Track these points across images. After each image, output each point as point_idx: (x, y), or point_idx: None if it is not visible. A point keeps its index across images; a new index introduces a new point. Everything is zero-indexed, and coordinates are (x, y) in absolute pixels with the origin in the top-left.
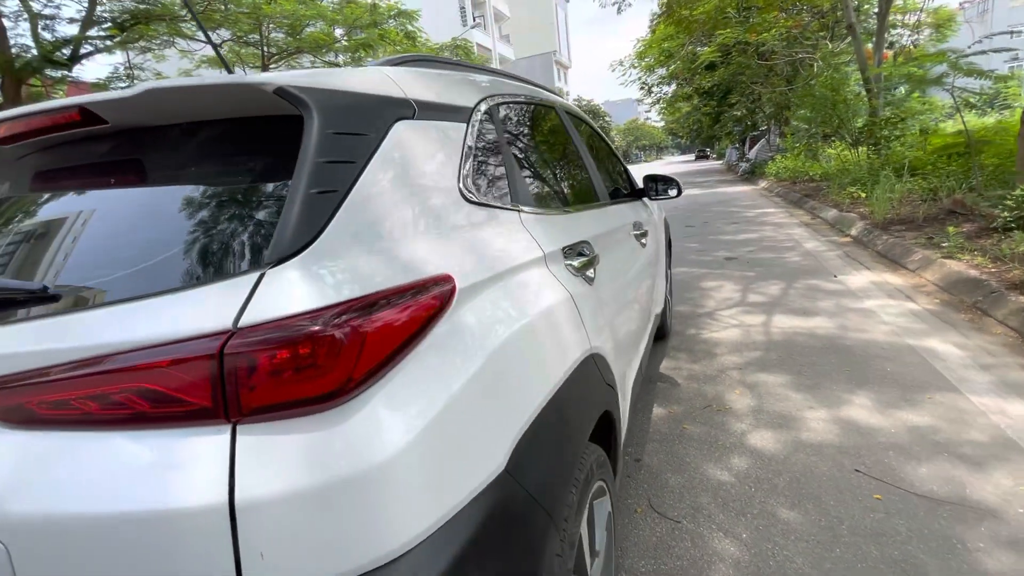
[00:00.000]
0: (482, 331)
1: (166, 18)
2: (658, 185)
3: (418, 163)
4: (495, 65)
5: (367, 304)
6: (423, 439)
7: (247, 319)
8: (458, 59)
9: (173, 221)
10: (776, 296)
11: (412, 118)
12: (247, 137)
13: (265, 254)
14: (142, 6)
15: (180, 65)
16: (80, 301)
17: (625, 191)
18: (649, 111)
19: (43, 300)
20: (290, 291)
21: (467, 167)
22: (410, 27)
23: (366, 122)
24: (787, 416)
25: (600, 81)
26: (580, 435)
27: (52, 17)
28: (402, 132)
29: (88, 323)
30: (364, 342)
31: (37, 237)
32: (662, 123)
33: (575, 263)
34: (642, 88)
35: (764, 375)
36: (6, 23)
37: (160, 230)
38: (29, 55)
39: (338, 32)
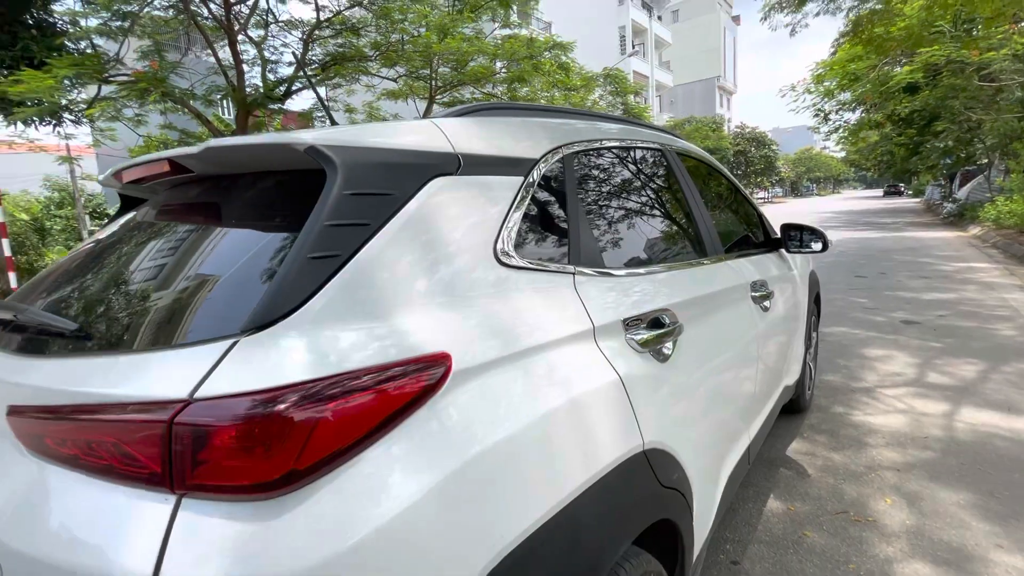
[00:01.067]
0: (479, 422)
1: (355, 59)
2: (801, 235)
3: (448, 223)
4: (651, 92)
5: (331, 386)
6: (369, 550)
7: (204, 390)
8: (544, 104)
9: (192, 270)
10: (970, 380)
11: (454, 173)
12: (288, 191)
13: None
14: (339, 50)
15: (364, 98)
16: (88, 346)
17: (758, 241)
18: (827, 139)
19: (67, 338)
20: (252, 364)
21: (513, 225)
22: (564, 58)
23: (394, 180)
24: (960, 551)
25: (769, 106)
26: (607, 552)
27: (276, 62)
28: (437, 189)
29: (84, 370)
30: (314, 430)
31: (107, 270)
32: (842, 153)
33: (641, 336)
34: (816, 115)
35: (933, 485)
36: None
37: (179, 278)
38: (256, 93)
39: (498, 65)
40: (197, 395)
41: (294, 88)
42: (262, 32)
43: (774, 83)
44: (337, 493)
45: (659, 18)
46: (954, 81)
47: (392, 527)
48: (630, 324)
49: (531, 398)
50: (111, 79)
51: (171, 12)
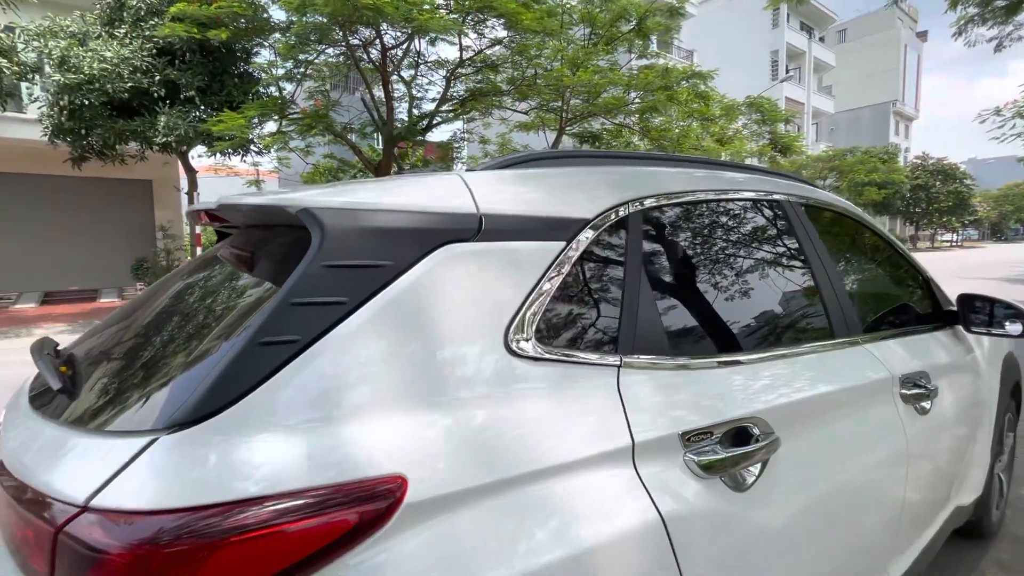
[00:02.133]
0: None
1: (490, 94)
2: (990, 310)
3: (450, 301)
4: (806, 120)
5: (235, 514)
6: None
7: (102, 498)
8: (624, 151)
9: (176, 335)
10: None
11: (472, 240)
12: (286, 252)
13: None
14: (477, 86)
15: (499, 130)
16: (60, 409)
17: (922, 315)
18: None
19: (55, 397)
20: (160, 472)
21: (540, 304)
22: (703, 87)
23: (390, 248)
24: None
25: (962, 135)
26: None
27: (421, 98)
28: (444, 259)
29: (36, 436)
30: (193, 571)
31: (132, 319)
32: None
33: (708, 457)
34: None
35: None
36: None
37: (159, 343)
38: (401, 127)
39: (631, 95)
40: (93, 503)
41: (434, 122)
42: (412, 72)
43: (970, 107)
44: None
45: (821, 39)
46: None
47: None
48: (693, 438)
49: (519, 546)
50: (287, 116)
51: (341, 58)
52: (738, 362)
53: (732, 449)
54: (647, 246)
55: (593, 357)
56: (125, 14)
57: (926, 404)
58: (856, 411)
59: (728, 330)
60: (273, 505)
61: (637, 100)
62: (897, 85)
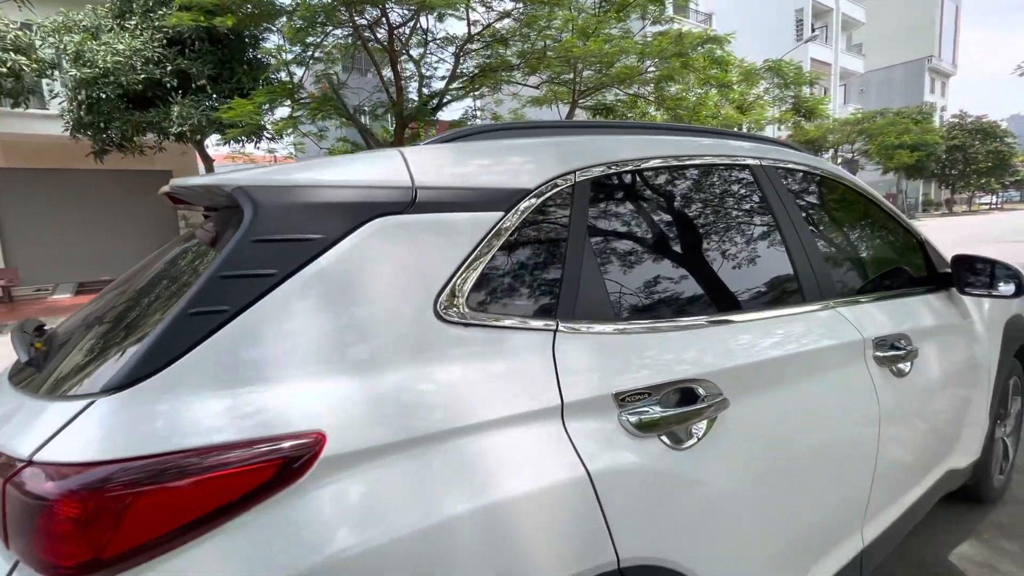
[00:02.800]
0: (351, 523)
1: (500, 69)
2: (989, 271)
3: (380, 272)
4: (834, 81)
5: (155, 466)
6: None
7: (44, 453)
8: (582, 120)
9: (129, 310)
10: None
11: (404, 212)
12: (233, 229)
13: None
14: (487, 61)
15: (511, 105)
16: (24, 378)
17: (914, 278)
18: None
19: (25, 367)
20: (93, 430)
21: (474, 272)
22: (720, 52)
23: (320, 222)
24: None
25: (1004, 91)
26: None
27: (431, 77)
28: (376, 231)
29: (4, 407)
30: (124, 515)
31: (107, 293)
32: None
33: (645, 415)
34: None
35: None
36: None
37: (113, 317)
38: (412, 106)
39: (647, 64)
40: (37, 457)
41: (445, 100)
42: (421, 51)
43: (1014, 61)
44: None
45: None
46: None
47: None
48: (628, 399)
49: (436, 497)
50: (296, 101)
51: (349, 39)
52: (686, 326)
53: (671, 409)
54: (594, 215)
55: (528, 322)
56: (135, 5)
57: (903, 366)
58: (822, 373)
59: (679, 296)
60: (196, 457)
61: (652, 68)
62: (933, 40)
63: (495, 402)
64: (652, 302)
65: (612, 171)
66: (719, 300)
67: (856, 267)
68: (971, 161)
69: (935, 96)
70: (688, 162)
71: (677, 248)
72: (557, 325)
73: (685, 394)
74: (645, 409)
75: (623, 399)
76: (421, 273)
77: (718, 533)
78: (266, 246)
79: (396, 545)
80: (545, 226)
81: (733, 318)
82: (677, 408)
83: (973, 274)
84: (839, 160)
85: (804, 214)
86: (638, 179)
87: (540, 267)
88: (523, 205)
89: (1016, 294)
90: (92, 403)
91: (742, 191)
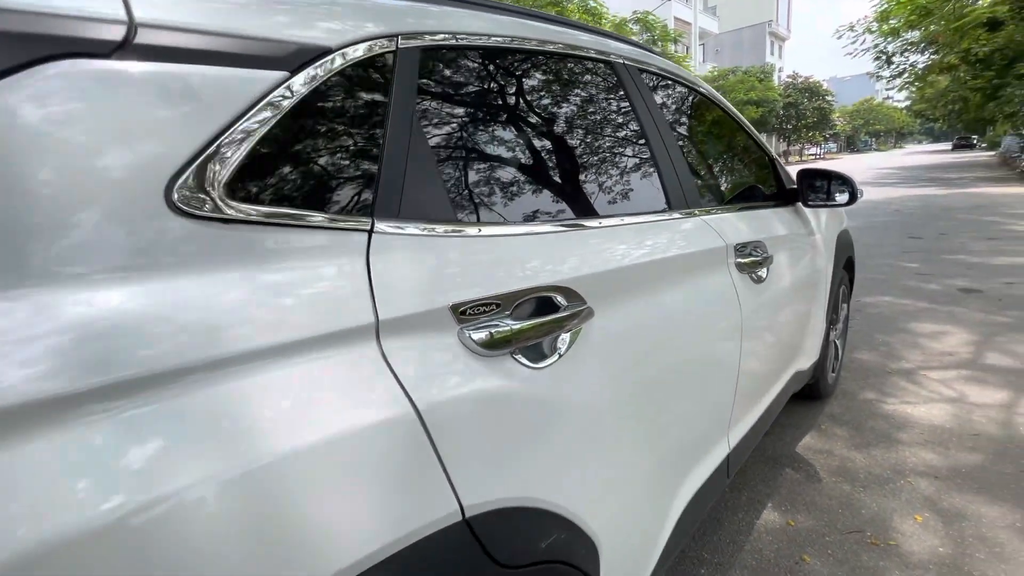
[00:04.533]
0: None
1: None
2: (825, 185)
3: (62, 141)
4: (694, 40)
5: None
6: None
7: None
8: None
9: None
10: None
11: (111, 55)
12: None
13: None
14: None
15: None
16: None
17: (767, 194)
18: (889, 86)
19: None
20: None
21: (240, 150)
22: (592, 3)
23: None
24: None
25: (827, 54)
26: None
27: None
28: (54, 81)
29: None
30: None
31: None
32: (906, 103)
33: (494, 331)
34: (878, 58)
35: (980, 500)
36: None
37: None
38: None
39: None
40: None
41: None
42: None
43: (834, 27)
44: None
45: None
46: None
47: None
48: (472, 311)
49: (176, 467)
50: None
51: None
52: (542, 231)
53: (525, 321)
54: (426, 93)
55: (330, 220)
56: None
57: (762, 272)
58: (689, 280)
59: (533, 196)
60: None
61: None
62: (772, 5)
63: (274, 324)
64: (500, 202)
65: (449, 43)
66: (578, 203)
67: (716, 178)
68: (802, 117)
69: (774, 58)
70: (546, 48)
71: (532, 143)
72: (373, 225)
73: (542, 304)
74: (494, 323)
75: (463, 312)
76: (145, 146)
77: (588, 461)
78: None
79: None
80: (353, 99)
81: (594, 223)
82: (534, 319)
83: (813, 190)
84: None
85: (669, 121)
86: (484, 58)
87: (345, 151)
88: (317, 68)
89: (849, 202)
90: None
91: (605, 88)
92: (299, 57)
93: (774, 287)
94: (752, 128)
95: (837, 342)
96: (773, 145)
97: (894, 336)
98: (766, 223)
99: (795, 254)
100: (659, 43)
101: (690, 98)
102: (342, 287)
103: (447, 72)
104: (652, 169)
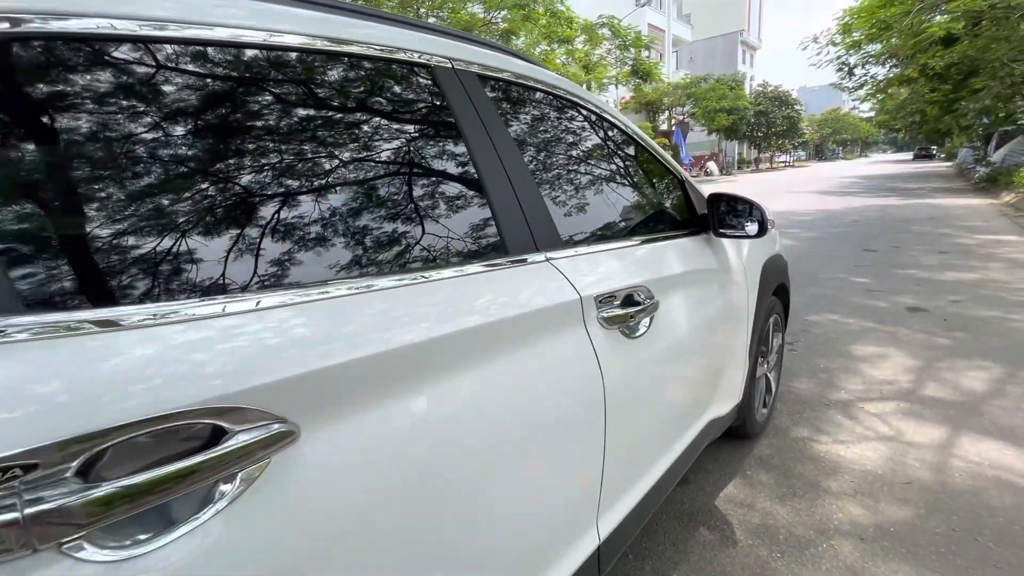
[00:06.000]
0: None
1: None
2: (747, 210)
3: None
4: (667, 47)
5: None
6: None
7: None
8: None
9: None
10: (978, 393)
11: None
12: None
13: None
14: None
15: None
16: None
17: (676, 221)
18: (853, 97)
19: None
20: None
21: None
22: (560, 6)
23: None
24: None
25: (797, 64)
26: None
27: None
28: None
29: None
30: None
31: None
32: (871, 113)
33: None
34: (840, 69)
35: (904, 570)
36: None
37: None
38: None
39: (493, 16)
40: None
41: None
42: None
43: (804, 38)
44: None
45: None
46: (995, 32)
47: None
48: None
49: None
50: None
51: None
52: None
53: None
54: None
55: None
56: None
57: (640, 324)
58: (518, 350)
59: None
60: None
61: (500, 22)
62: (743, 15)
63: None
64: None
65: (91, 32)
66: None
67: (599, 209)
68: (772, 125)
69: (746, 66)
70: (303, 44)
71: (271, 185)
72: None
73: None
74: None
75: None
76: None
77: None
78: None
79: None
80: None
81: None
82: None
83: (727, 216)
84: (672, 121)
85: (521, 141)
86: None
87: None
88: None
89: (759, 233)
90: None
91: (409, 101)
92: None
93: (662, 339)
94: (657, 146)
95: (770, 375)
96: (746, 152)
97: (835, 361)
98: (657, 260)
99: (700, 292)
100: (631, 49)
101: (564, 112)
102: None
103: (85, 79)
104: (485, 206)
